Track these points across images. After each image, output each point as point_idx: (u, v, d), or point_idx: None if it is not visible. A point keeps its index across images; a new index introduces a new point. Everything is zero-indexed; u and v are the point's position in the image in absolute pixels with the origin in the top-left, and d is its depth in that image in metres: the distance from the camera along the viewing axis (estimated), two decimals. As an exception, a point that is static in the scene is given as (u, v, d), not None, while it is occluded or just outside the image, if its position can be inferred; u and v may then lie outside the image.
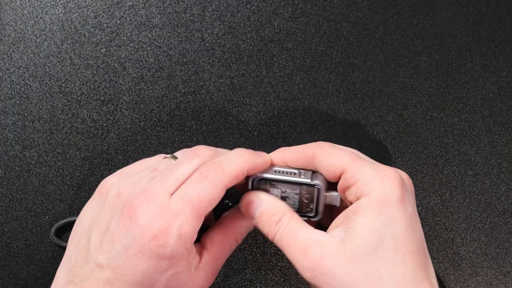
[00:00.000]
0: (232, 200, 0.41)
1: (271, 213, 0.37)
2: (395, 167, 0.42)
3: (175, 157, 0.39)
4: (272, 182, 0.39)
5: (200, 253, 0.37)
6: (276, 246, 0.47)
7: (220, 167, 0.36)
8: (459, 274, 0.48)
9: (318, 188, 0.38)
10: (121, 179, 0.38)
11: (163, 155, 0.40)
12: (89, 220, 0.37)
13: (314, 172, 0.39)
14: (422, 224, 0.39)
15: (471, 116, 0.49)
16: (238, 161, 0.36)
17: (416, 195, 0.48)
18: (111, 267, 0.34)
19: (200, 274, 0.37)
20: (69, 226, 0.43)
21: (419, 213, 0.41)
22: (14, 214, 0.47)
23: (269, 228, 0.37)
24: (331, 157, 0.37)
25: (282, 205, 0.38)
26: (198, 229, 0.35)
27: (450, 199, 0.48)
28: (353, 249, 0.34)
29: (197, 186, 0.35)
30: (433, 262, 0.42)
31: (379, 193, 0.35)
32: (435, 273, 0.37)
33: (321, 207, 0.39)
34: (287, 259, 0.47)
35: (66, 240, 0.40)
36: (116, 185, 0.37)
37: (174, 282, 0.35)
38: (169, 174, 0.36)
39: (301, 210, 0.39)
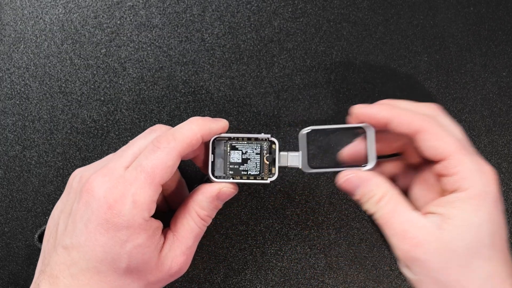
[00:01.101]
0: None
1: (371, 194, 0.37)
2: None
3: None
4: (234, 143, 0.39)
5: (165, 235, 0.38)
6: (276, 246, 0.47)
7: (172, 135, 0.36)
8: (459, 274, 0.48)
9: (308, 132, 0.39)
10: (86, 167, 0.39)
11: None
12: (58, 211, 0.38)
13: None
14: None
15: (471, 116, 0.49)
16: (191, 127, 0.37)
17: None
18: (75, 247, 0.34)
19: (166, 254, 0.37)
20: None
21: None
22: (14, 214, 0.47)
23: (368, 207, 0.37)
24: (438, 140, 0.36)
25: (384, 184, 0.37)
26: (155, 198, 0.35)
27: (450, 199, 0.48)
28: (449, 239, 0.34)
29: (150, 156, 0.35)
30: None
31: (478, 189, 0.35)
32: None
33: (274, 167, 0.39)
34: (287, 259, 0.47)
35: None
36: (80, 172, 0.38)
37: (136, 259, 0.35)
38: (126, 150, 0.37)
39: (264, 171, 0.39)
